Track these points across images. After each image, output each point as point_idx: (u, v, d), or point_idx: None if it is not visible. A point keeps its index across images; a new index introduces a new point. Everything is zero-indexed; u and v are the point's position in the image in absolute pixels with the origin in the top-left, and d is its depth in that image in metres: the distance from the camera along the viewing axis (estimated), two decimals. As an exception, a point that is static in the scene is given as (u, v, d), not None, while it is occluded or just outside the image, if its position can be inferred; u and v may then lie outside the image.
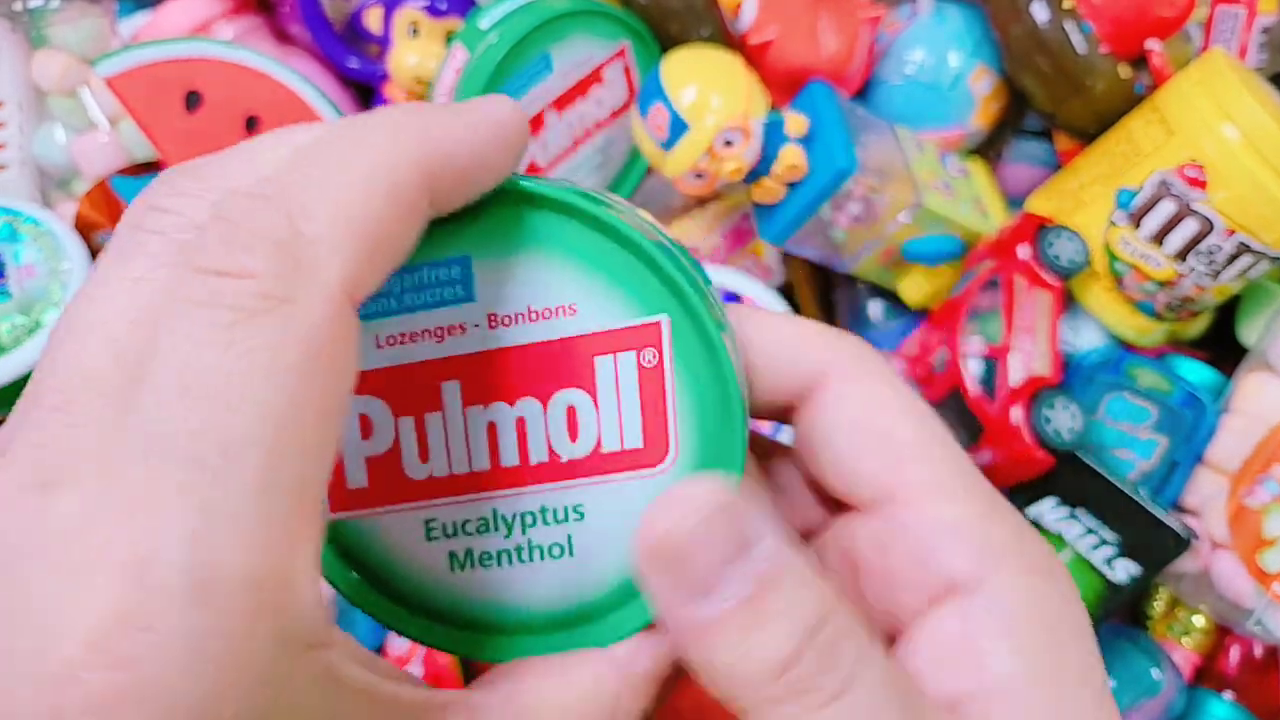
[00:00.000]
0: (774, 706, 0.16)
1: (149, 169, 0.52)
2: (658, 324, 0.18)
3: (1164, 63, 0.51)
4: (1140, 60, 0.52)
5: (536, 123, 0.50)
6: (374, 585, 0.20)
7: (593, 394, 0.19)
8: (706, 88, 0.47)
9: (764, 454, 0.23)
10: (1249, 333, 0.53)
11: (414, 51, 0.51)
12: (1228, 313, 0.55)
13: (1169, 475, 0.50)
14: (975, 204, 0.54)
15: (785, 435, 0.22)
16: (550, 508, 0.19)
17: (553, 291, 0.18)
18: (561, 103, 0.50)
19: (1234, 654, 0.54)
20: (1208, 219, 0.48)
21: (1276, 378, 0.49)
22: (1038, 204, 0.54)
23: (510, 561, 0.20)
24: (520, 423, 0.19)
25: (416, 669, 0.49)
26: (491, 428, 0.19)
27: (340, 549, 0.20)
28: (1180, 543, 0.47)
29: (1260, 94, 0.47)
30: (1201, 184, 0.47)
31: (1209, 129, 0.47)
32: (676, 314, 0.18)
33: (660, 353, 0.18)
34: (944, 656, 0.19)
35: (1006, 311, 0.49)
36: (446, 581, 0.20)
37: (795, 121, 0.48)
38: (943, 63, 0.54)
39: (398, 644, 0.50)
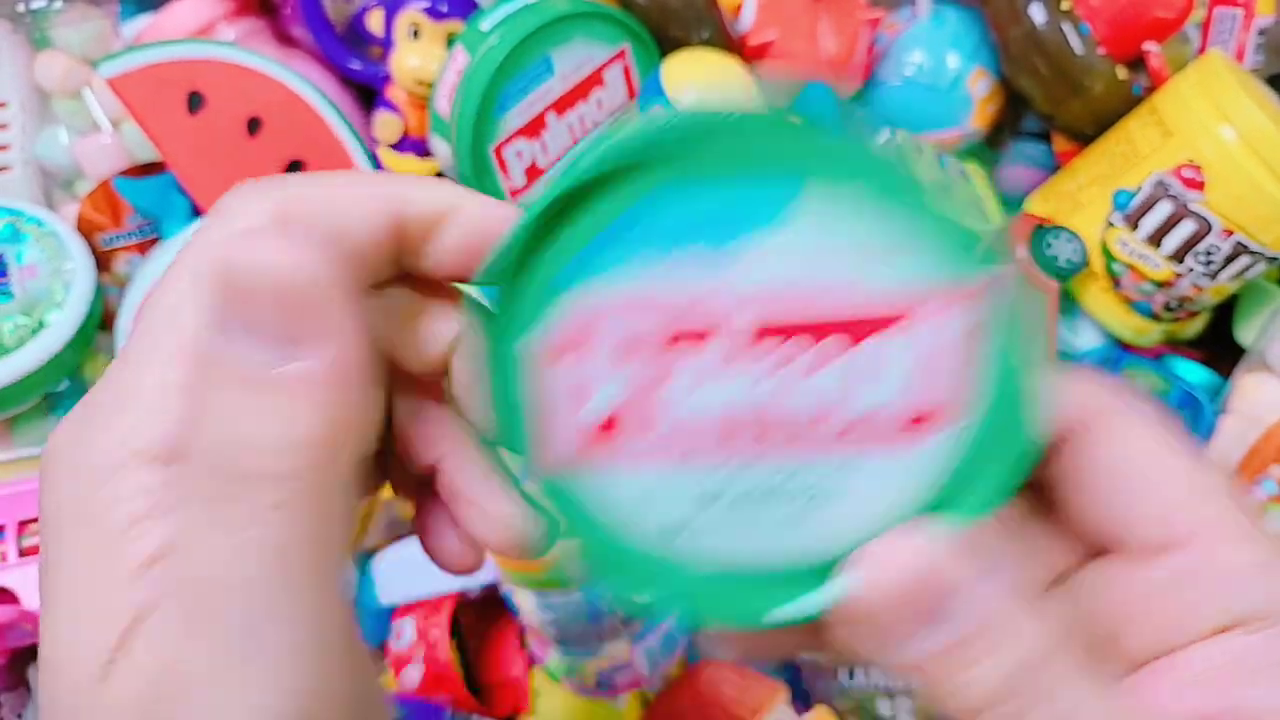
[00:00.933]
0: None
1: (151, 170, 0.52)
2: (977, 289, 0.18)
3: (1162, 64, 0.51)
4: (1138, 62, 0.52)
5: (537, 124, 0.50)
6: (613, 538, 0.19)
7: (893, 352, 0.18)
8: (706, 89, 0.47)
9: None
10: (1246, 333, 0.54)
11: (415, 53, 0.52)
12: (1224, 313, 0.55)
13: (1166, 475, 0.50)
14: (973, 205, 0.54)
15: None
16: (821, 466, 0.19)
17: (866, 247, 0.18)
18: (562, 105, 0.51)
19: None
20: (1205, 219, 0.48)
21: (1274, 378, 0.49)
22: (1036, 205, 0.55)
23: (780, 507, 0.19)
24: (808, 379, 0.18)
25: (416, 670, 0.49)
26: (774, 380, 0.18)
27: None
28: (1178, 542, 0.47)
29: (1257, 95, 0.47)
30: (1199, 185, 0.47)
31: (1206, 130, 0.47)
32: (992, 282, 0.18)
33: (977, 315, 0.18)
34: (1200, 681, 0.19)
35: (1005, 312, 0.49)
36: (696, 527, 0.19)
37: (794, 123, 0.49)
38: (941, 65, 0.54)
39: (397, 645, 0.50)
